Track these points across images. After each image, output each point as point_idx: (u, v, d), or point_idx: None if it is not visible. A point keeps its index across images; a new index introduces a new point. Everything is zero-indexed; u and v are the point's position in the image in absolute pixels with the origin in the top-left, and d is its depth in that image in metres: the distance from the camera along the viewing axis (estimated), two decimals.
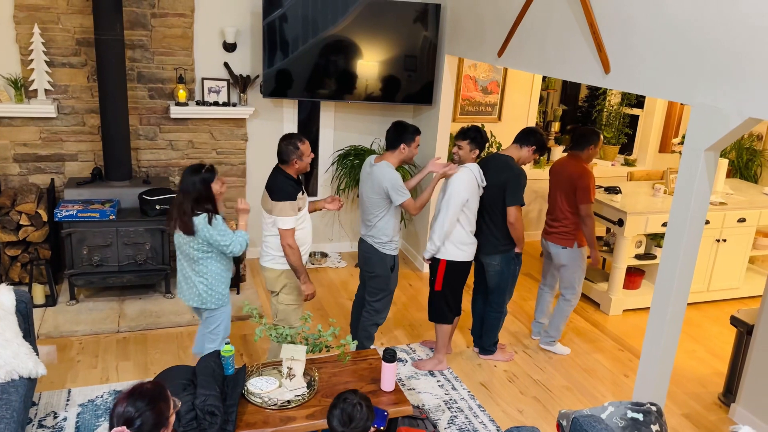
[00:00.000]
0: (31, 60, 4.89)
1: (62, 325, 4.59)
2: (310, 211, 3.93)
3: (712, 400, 4.29)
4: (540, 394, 4.22)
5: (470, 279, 4.66)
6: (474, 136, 4.06)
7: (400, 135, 3.94)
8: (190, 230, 3.39)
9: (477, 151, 4.08)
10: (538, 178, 6.55)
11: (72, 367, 4.17)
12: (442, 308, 4.25)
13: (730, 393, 4.20)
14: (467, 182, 4.00)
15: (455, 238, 4.07)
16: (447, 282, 4.17)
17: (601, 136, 4.61)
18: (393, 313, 4.91)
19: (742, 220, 5.52)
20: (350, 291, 5.53)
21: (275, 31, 5.24)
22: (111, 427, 2.02)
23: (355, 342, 4.26)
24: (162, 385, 2.13)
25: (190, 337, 4.59)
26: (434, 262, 4.18)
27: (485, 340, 4.55)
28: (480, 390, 4.22)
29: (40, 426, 3.57)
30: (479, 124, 6.19)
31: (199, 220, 3.37)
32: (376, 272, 4.12)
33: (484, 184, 4.13)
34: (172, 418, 2.12)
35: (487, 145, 4.23)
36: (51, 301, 4.85)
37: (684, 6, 3.04)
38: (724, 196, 5.68)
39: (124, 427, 1.98)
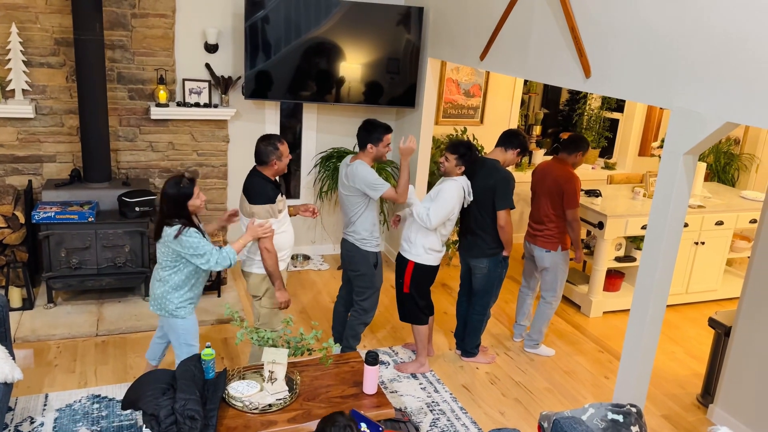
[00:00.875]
0: (9, 59, 4.81)
1: (39, 329, 4.52)
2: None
3: (690, 401, 4.34)
4: (521, 396, 4.24)
5: (456, 282, 4.68)
6: (464, 153, 4.05)
7: (367, 135, 3.95)
8: (157, 235, 3.39)
9: (463, 168, 4.09)
10: (519, 180, 6.58)
11: (49, 371, 4.11)
12: (413, 309, 4.26)
13: (708, 394, 4.25)
14: (457, 195, 4.04)
15: (426, 243, 4.09)
16: (413, 284, 4.18)
17: (590, 145, 4.68)
18: (375, 315, 4.90)
19: (719, 223, 5.60)
20: (333, 294, 5.51)
21: (257, 32, 5.21)
22: None
23: (338, 345, 4.25)
24: None
25: None
26: (402, 263, 4.19)
27: (467, 343, 4.56)
28: (462, 392, 4.23)
29: (17, 431, 3.51)
30: (462, 128, 6.26)
31: (169, 231, 3.33)
32: (360, 270, 4.12)
33: (471, 198, 4.16)
34: None
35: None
36: (28, 304, 4.78)
37: (663, 12, 3.08)
38: (702, 199, 5.76)
39: None
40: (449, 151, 4.08)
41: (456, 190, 4.04)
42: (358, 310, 4.21)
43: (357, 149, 6.00)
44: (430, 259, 4.13)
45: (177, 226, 3.31)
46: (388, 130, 3.98)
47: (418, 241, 4.10)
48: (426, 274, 4.18)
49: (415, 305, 4.24)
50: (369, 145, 3.94)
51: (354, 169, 3.94)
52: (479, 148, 6.16)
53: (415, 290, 4.20)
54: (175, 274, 3.43)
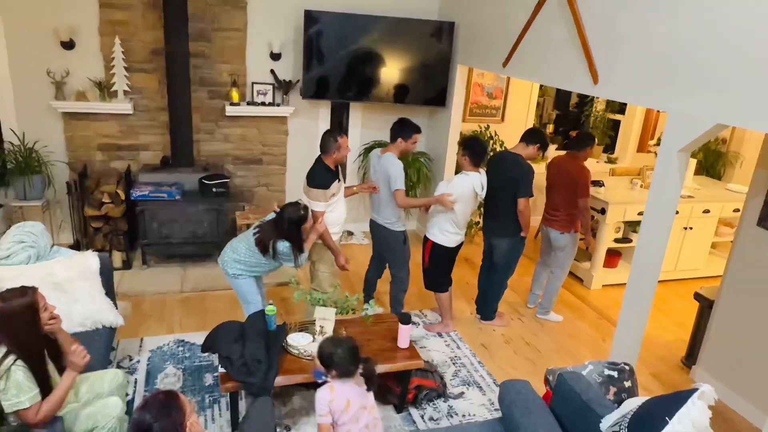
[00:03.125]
0: (113, 66, 4.95)
1: (136, 286, 4.69)
2: (346, 196, 3.94)
3: (675, 363, 4.27)
4: (531, 355, 4.23)
5: (477, 257, 4.66)
6: (470, 146, 3.92)
7: (399, 130, 3.92)
8: (264, 251, 3.41)
9: (468, 160, 3.93)
10: (536, 172, 6.48)
11: (144, 320, 4.27)
12: (433, 280, 4.25)
13: (691, 357, 4.17)
14: (461, 189, 3.93)
15: (441, 225, 4.05)
16: (431, 260, 4.16)
17: (596, 140, 4.59)
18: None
19: (706, 212, 5.44)
20: None
21: (313, 43, 5.23)
22: None
23: (376, 307, 4.29)
24: (175, 393, 1.91)
25: None
26: (424, 241, 4.18)
27: (486, 309, 4.56)
28: (480, 350, 4.24)
29: (119, 366, 3.67)
30: (486, 125, 6.18)
31: (282, 250, 3.39)
32: (393, 248, 4.12)
33: (483, 194, 4.00)
34: (188, 423, 1.88)
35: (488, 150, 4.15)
36: (127, 265, 4.96)
37: (661, 28, 2.99)
38: (692, 190, 5.60)
39: None
40: (459, 146, 4.05)
41: (461, 184, 3.94)
42: (396, 281, 4.20)
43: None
44: (446, 240, 4.07)
45: (288, 248, 3.37)
46: (417, 130, 3.93)
47: (435, 222, 4.09)
48: (443, 253, 4.12)
49: (434, 277, 4.24)
50: (399, 139, 3.91)
51: (387, 159, 3.91)
52: (500, 143, 6.08)
53: (433, 266, 4.19)
54: (249, 257, 3.49)
